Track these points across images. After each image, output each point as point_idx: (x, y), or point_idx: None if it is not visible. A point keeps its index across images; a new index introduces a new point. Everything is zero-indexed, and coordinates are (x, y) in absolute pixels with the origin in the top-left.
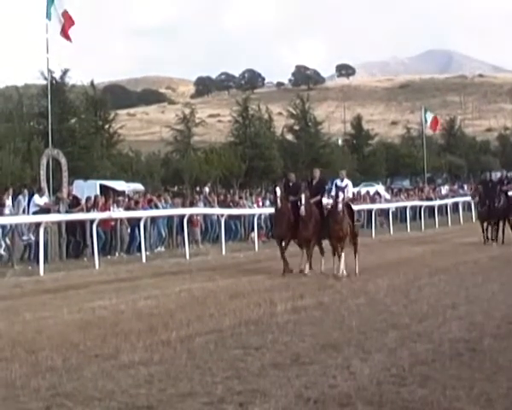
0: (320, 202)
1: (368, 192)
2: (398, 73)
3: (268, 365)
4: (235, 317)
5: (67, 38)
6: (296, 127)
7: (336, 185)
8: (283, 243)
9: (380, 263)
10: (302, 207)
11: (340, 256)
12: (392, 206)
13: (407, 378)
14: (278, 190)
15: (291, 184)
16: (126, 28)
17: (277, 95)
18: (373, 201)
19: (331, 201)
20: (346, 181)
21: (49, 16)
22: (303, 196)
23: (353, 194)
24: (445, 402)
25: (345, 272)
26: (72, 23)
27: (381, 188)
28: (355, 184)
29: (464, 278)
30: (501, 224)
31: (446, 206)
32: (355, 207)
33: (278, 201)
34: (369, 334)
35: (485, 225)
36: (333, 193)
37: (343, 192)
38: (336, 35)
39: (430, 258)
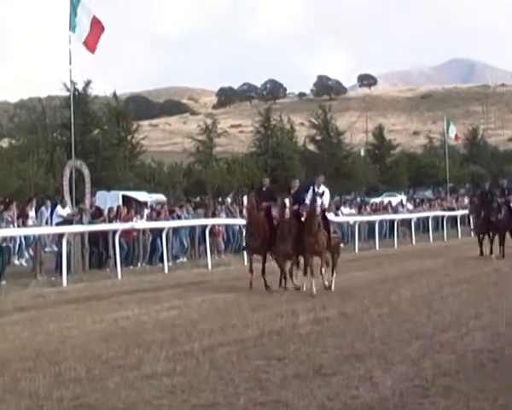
0: (297, 211)
1: (390, 202)
2: (420, 83)
3: (290, 376)
4: (258, 328)
5: (93, 47)
6: (318, 137)
7: (313, 191)
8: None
9: (402, 273)
10: (286, 211)
11: (320, 272)
12: (415, 216)
13: (430, 389)
14: (245, 199)
15: (264, 189)
16: (148, 39)
17: (299, 105)
18: (395, 211)
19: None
20: (323, 188)
21: (72, 28)
22: (287, 200)
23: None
24: None
25: (314, 291)
26: (103, 29)
27: (403, 198)
28: (377, 195)
29: (487, 287)
30: (498, 237)
31: (469, 216)
32: (337, 218)
33: (245, 211)
34: (391, 345)
35: (482, 237)
36: (308, 201)
37: (320, 197)
38: (358, 45)
39: (453, 268)
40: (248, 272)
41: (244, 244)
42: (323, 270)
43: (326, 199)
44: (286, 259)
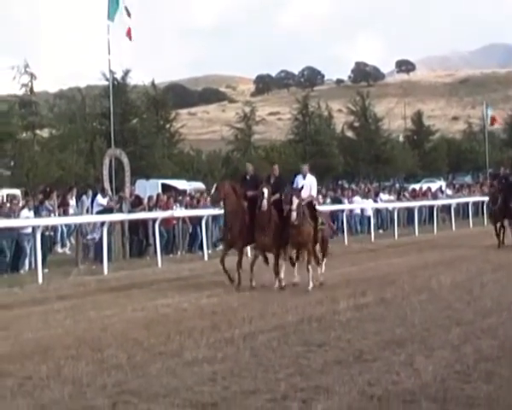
0: (279, 201)
1: (429, 188)
2: (459, 68)
3: (331, 362)
4: (298, 314)
5: (129, 36)
6: (356, 124)
7: (294, 183)
8: (230, 251)
9: (442, 259)
10: (264, 201)
11: (310, 263)
12: (454, 202)
13: (471, 375)
14: (213, 188)
15: (248, 177)
16: (184, 28)
17: (337, 92)
18: (435, 197)
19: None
20: (310, 178)
21: (110, 17)
22: (265, 190)
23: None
24: (511, 399)
25: (311, 284)
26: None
27: (442, 184)
28: (416, 181)
29: None
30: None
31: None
32: (324, 208)
33: (208, 201)
34: (432, 330)
35: (498, 226)
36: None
37: (299, 190)
38: (395, 30)
39: (493, 253)
40: (223, 270)
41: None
42: (310, 266)
43: (314, 189)
44: (265, 252)
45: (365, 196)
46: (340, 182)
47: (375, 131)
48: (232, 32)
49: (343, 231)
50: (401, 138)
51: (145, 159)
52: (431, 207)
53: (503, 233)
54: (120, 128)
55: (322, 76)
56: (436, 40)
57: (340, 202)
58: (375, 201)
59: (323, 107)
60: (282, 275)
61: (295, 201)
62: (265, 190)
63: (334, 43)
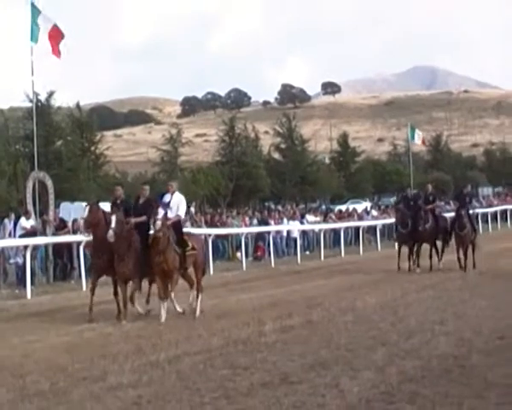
0: (145, 224)
1: (355, 209)
2: (384, 90)
3: (257, 384)
4: (224, 337)
5: (56, 54)
6: (283, 146)
7: (161, 202)
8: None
9: (367, 280)
10: (110, 231)
11: (167, 297)
12: (380, 223)
13: (396, 396)
14: (86, 210)
15: (141, 201)
16: (111, 50)
17: (264, 114)
18: (361, 218)
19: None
20: (178, 196)
21: (34, 39)
22: (113, 217)
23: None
24: None
25: (163, 318)
26: (62, 37)
27: (368, 205)
28: (342, 202)
29: (452, 293)
30: (420, 247)
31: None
32: (201, 231)
33: (84, 225)
34: (357, 352)
35: (408, 248)
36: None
37: (164, 209)
38: (321, 53)
39: (417, 274)
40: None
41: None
42: (173, 294)
43: (182, 209)
44: (125, 282)
45: (292, 217)
46: (266, 203)
47: (302, 152)
48: (159, 54)
49: (270, 253)
50: (327, 160)
51: (69, 181)
52: (357, 229)
53: (417, 256)
54: (44, 150)
55: (249, 98)
56: (361, 63)
57: (266, 223)
58: (302, 222)
59: (250, 128)
60: (138, 307)
61: (158, 224)
62: (113, 218)
63: (260, 66)
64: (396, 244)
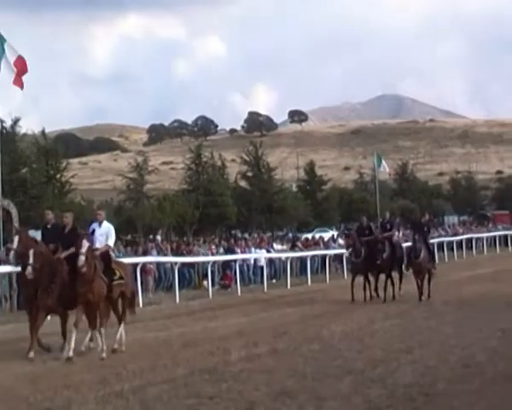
0: (74, 255)
1: (322, 238)
2: (350, 119)
3: None
4: (189, 366)
5: (19, 85)
6: (249, 174)
7: (88, 232)
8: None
9: (334, 308)
10: (29, 268)
11: (95, 328)
12: (347, 252)
13: None
14: (16, 240)
15: (49, 226)
16: (77, 76)
17: (230, 142)
18: (327, 246)
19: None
20: (106, 225)
21: None
22: (30, 252)
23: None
24: None
25: (104, 354)
26: (26, 70)
27: (334, 233)
28: (308, 230)
29: (418, 322)
30: (377, 278)
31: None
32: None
33: (15, 256)
34: (323, 381)
35: (358, 279)
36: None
37: (89, 240)
38: (288, 81)
39: (382, 303)
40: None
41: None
42: (103, 330)
43: (111, 237)
44: (47, 314)
45: (258, 245)
46: (233, 232)
47: (268, 180)
48: (126, 81)
49: (236, 282)
50: (294, 188)
51: (34, 209)
52: (323, 257)
53: (371, 286)
54: (9, 178)
55: (216, 126)
56: (328, 91)
57: (233, 251)
58: (269, 251)
59: (217, 156)
60: (72, 343)
61: (81, 259)
62: (30, 253)
63: (227, 93)
64: (351, 274)
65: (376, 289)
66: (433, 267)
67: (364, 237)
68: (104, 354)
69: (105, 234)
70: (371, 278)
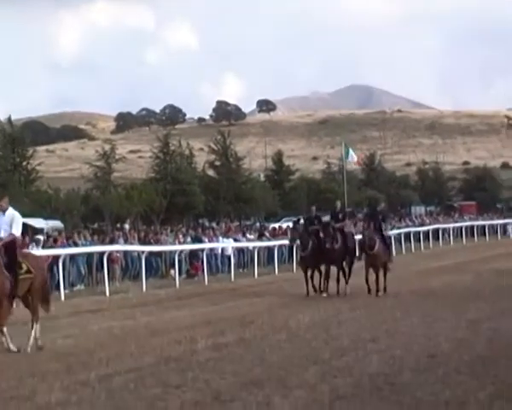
0: None
1: (289, 227)
2: (319, 109)
3: (188, 403)
4: (156, 355)
5: None
6: (217, 163)
7: None
8: None
9: (300, 298)
10: None
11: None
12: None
13: None
14: None
15: None
16: (46, 63)
17: (198, 130)
18: None
19: None
20: (11, 213)
21: None
22: None
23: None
24: None
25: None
26: None
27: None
28: (276, 220)
29: (384, 311)
30: (328, 270)
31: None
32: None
33: None
34: (289, 370)
35: (310, 273)
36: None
37: None
38: (256, 70)
39: (349, 294)
40: None
41: None
42: (5, 329)
43: (16, 226)
44: None
45: (226, 235)
46: (200, 221)
47: (236, 170)
48: (95, 69)
49: (203, 271)
50: (262, 177)
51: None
52: (291, 247)
53: (326, 280)
54: None
55: (184, 114)
56: (296, 81)
57: (200, 241)
58: (236, 240)
59: (184, 145)
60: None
61: None
62: None
63: (196, 82)
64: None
65: (326, 282)
66: (389, 260)
67: (312, 227)
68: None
69: (9, 223)
70: (322, 270)
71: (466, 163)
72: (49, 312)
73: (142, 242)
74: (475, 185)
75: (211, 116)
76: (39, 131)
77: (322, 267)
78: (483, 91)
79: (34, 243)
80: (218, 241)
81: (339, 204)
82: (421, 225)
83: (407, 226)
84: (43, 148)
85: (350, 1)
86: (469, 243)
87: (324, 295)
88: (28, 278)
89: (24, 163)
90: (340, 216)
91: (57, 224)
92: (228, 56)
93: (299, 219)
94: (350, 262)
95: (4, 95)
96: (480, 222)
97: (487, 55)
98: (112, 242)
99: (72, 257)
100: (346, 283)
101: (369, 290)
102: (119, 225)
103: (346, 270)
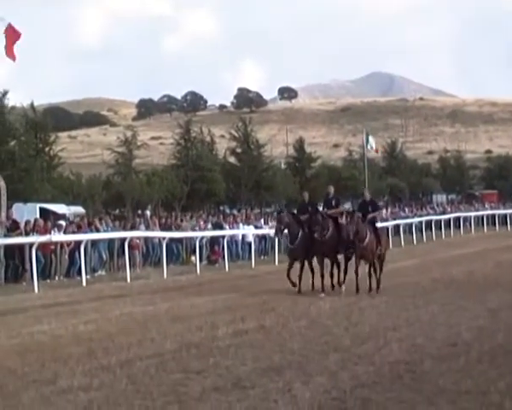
0: None
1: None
2: (340, 96)
3: (209, 389)
4: (177, 341)
5: (11, 55)
6: (238, 150)
7: None
8: None
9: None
10: None
11: None
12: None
13: (348, 401)
14: None
15: None
16: (68, 50)
17: (220, 117)
18: None
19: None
20: None
21: None
22: None
23: None
24: None
25: None
26: (18, 36)
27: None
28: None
29: (405, 300)
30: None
31: (387, 228)
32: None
33: None
34: (310, 357)
35: (300, 265)
36: None
37: None
38: (278, 58)
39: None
40: None
41: None
42: None
43: None
44: None
45: (247, 222)
46: (221, 207)
47: (257, 157)
48: (116, 56)
49: (224, 257)
50: (283, 165)
51: (23, 182)
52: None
53: (321, 276)
54: None
55: (205, 101)
56: (318, 68)
57: (221, 227)
58: (257, 226)
59: (206, 132)
60: None
61: None
62: None
63: (217, 69)
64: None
65: (321, 279)
66: (381, 252)
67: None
68: None
69: None
70: (316, 264)
71: (488, 152)
72: None
73: (164, 228)
74: (497, 174)
75: (232, 103)
76: (61, 117)
77: (314, 263)
78: (505, 79)
79: (56, 229)
80: (238, 228)
81: (332, 190)
82: (443, 213)
83: (428, 214)
84: (66, 134)
85: None
86: (490, 232)
87: (322, 295)
88: None
89: (46, 149)
90: (334, 203)
91: (79, 209)
92: (250, 43)
93: (281, 210)
94: (346, 258)
95: (27, 81)
96: (502, 211)
97: (509, 42)
98: (133, 228)
99: (94, 243)
100: (343, 281)
101: (358, 290)
102: (140, 212)
103: (342, 266)
